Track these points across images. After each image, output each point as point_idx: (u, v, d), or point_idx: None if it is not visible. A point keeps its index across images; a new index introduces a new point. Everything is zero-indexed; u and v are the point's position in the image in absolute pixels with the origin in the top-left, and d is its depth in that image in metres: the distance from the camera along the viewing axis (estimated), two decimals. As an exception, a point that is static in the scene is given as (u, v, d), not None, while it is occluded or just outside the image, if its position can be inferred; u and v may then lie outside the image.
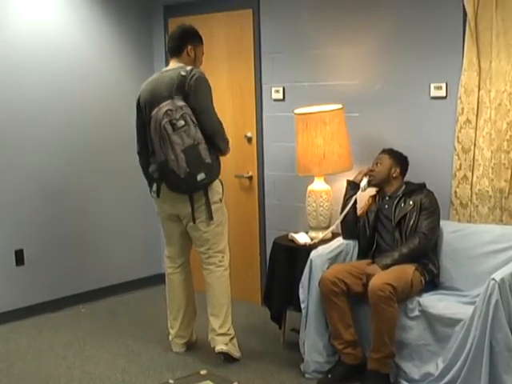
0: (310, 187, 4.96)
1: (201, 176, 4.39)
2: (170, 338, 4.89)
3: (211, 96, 4.51)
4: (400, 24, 4.79)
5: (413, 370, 4.07)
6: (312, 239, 4.80)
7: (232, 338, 4.66)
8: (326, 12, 5.15)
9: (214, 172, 4.49)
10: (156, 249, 6.42)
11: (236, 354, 4.65)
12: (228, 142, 4.60)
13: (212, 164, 4.44)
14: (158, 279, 6.40)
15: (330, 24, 5.14)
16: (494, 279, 3.64)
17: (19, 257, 5.57)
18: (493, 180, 4.37)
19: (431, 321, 4.00)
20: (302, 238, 4.80)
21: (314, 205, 4.89)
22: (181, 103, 4.36)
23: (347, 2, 5.03)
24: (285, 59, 5.44)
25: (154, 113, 4.39)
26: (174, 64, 4.56)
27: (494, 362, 3.62)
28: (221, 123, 4.55)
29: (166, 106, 4.35)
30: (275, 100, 5.54)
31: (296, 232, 4.89)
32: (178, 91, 4.38)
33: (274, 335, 4.98)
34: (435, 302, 4.07)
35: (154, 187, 4.62)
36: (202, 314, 4.88)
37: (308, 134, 4.78)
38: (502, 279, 3.64)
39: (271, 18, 5.48)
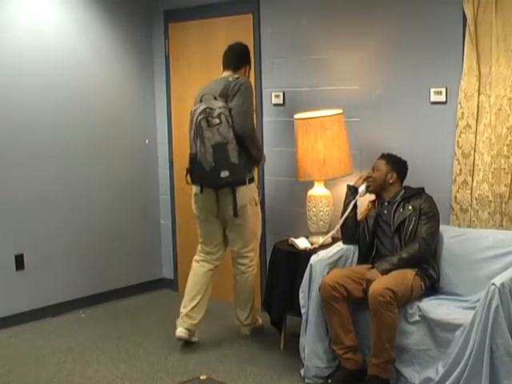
0: (310, 192, 4.96)
1: (224, 173, 4.62)
2: (179, 317, 4.98)
3: (251, 102, 4.87)
4: (400, 29, 4.80)
5: (413, 375, 4.07)
6: (312, 244, 4.80)
7: (254, 326, 5.20)
8: (326, 17, 5.16)
9: (239, 173, 4.72)
10: (156, 254, 6.43)
11: (259, 326, 5.24)
12: (262, 152, 5.04)
13: (238, 165, 4.67)
14: (158, 284, 6.43)
15: (331, 29, 5.15)
16: (494, 284, 3.63)
17: (19, 261, 5.56)
18: (493, 185, 4.37)
19: (431, 326, 3.99)
20: (302, 243, 4.81)
21: (314, 210, 4.90)
22: (221, 104, 4.70)
23: (347, 8, 5.04)
24: (285, 64, 5.44)
25: (194, 109, 4.73)
26: (227, 74, 4.92)
27: (495, 367, 3.61)
28: (254, 129, 4.90)
29: (206, 104, 4.70)
30: (275, 105, 5.54)
31: (296, 237, 4.89)
32: (222, 93, 4.76)
33: (274, 340, 4.98)
34: (435, 307, 4.07)
35: (196, 188, 4.86)
36: (205, 321, 4.90)
37: (308, 138, 4.78)
38: (503, 284, 3.64)
39: (271, 23, 5.49)
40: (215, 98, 4.73)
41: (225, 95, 4.75)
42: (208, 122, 4.62)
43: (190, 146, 4.75)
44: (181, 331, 4.94)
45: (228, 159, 4.63)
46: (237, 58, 4.98)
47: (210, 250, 5.06)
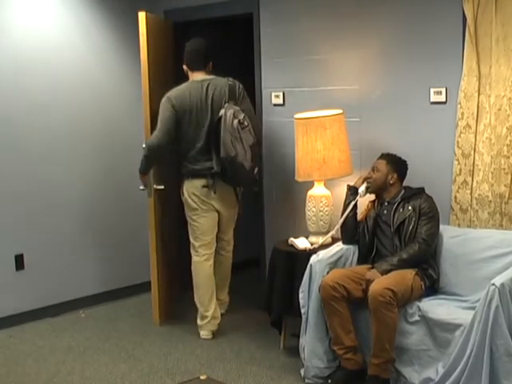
0: (309, 192, 4.96)
1: (256, 170, 5.03)
2: (205, 321, 5.18)
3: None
4: (400, 29, 4.79)
5: (413, 375, 4.07)
6: (312, 244, 4.80)
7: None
8: (326, 17, 5.16)
9: (259, 168, 5.16)
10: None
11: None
12: None
13: (259, 161, 5.17)
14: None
15: (330, 29, 5.14)
16: (494, 284, 3.63)
17: (19, 262, 5.57)
18: (493, 185, 4.37)
19: (431, 326, 3.99)
20: (301, 243, 4.81)
21: (314, 210, 4.90)
22: (237, 107, 4.94)
23: (347, 8, 5.03)
24: (285, 64, 5.44)
25: (221, 114, 4.88)
26: (203, 75, 5.11)
27: (494, 367, 3.61)
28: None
29: (229, 108, 4.91)
30: (275, 105, 5.54)
31: (296, 237, 4.89)
32: (230, 97, 4.99)
33: (274, 340, 4.97)
34: (435, 307, 4.07)
35: (207, 181, 5.04)
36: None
37: (308, 138, 4.78)
38: (502, 284, 3.64)
39: (271, 23, 5.48)
40: (226, 102, 4.96)
41: (234, 98, 5.00)
42: (241, 124, 4.87)
43: (224, 150, 4.83)
44: (206, 334, 5.19)
45: (257, 157, 5.08)
46: (203, 57, 5.14)
47: (209, 240, 5.20)
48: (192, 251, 5.23)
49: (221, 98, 4.98)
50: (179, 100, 4.99)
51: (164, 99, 5.02)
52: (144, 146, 5.15)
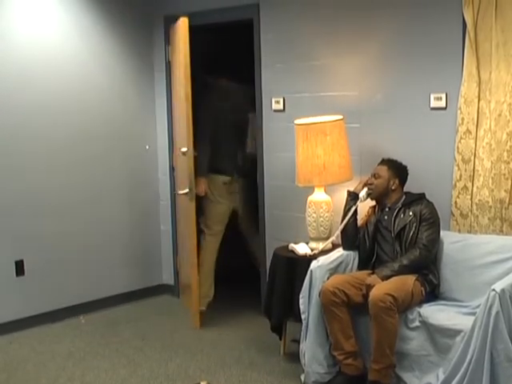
0: (310, 198, 4.96)
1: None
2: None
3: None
4: (400, 35, 4.80)
5: (413, 380, 4.07)
6: (312, 250, 4.80)
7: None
8: (327, 23, 5.16)
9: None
10: (157, 259, 6.42)
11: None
12: None
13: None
14: (159, 290, 6.42)
15: (331, 35, 5.15)
16: (494, 290, 3.63)
17: (19, 267, 5.56)
18: (493, 190, 4.37)
19: (432, 331, 3.99)
20: (302, 249, 4.80)
21: (315, 215, 4.89)
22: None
23: (347, 14, 5.04)
24: (285, 70, 5.44)
25: (250, 116, 5.79)
26: (225, 82, 5.89)
27: (495, 373, 3.61)
28: None
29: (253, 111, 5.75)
30: (275, 111, 5.54)
31: (296, 243, 4.89)
32: (244, 99, 5.90)
33: (275, 346, 4.97)
34: (436, 313, 4.07)
35: (227, 178, 5.88)
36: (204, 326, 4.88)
37: (308, 144, 4.78)
38: (503, 290, 3.63)
39: (271, 29, 5.49)
40: (242, 104, 5.92)
41: (244, 100, 5.92)
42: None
43: (245, 148, 5.85)
44: (203, 306, 5.70)
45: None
46: (222, 65, 5.97)
47: (220, 228, 5.93)
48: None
49: (238, 102, 5.84)
50: (210, 107, 5.76)
51: (202, 109, 5.72)
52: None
